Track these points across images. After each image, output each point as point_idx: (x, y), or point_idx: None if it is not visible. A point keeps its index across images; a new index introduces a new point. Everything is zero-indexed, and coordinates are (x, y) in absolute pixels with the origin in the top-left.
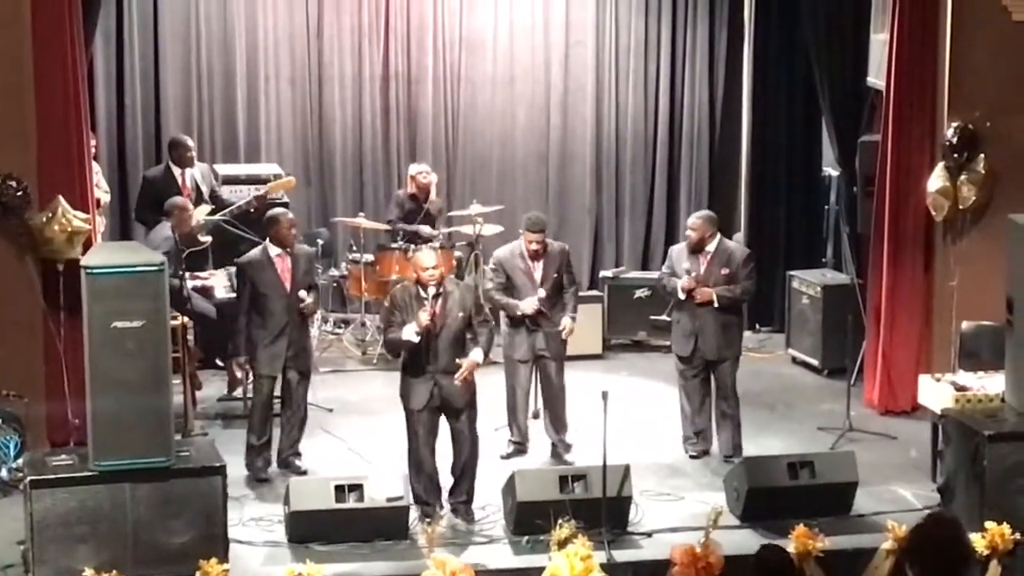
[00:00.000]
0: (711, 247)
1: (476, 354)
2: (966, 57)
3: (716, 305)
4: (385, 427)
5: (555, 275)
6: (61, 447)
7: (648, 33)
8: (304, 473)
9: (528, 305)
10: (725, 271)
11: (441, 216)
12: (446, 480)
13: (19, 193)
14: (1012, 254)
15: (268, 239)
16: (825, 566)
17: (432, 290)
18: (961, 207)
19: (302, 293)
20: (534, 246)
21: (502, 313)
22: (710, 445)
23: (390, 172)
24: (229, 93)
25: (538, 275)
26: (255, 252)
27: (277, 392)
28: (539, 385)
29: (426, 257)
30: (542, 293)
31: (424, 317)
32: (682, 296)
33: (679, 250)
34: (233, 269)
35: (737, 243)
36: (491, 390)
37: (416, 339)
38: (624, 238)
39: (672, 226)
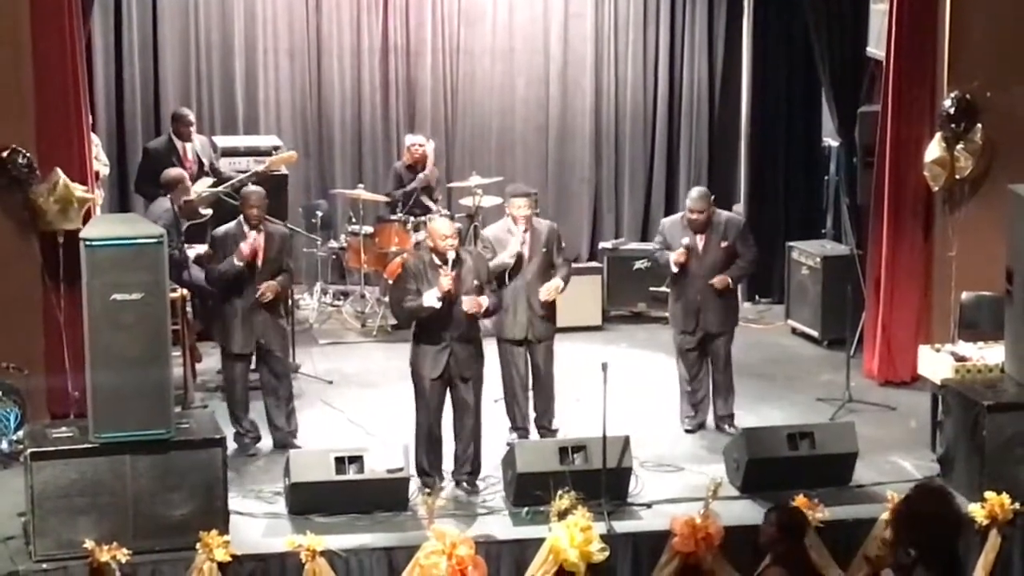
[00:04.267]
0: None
1: (483, 299)
2: (966, 27)
3: (732, 286)
4: (385, 399)
5: (544, 250)
6: (61, 419)
7: (647, 4)
8: None
9: (510, 252)
10: (724, 243)
11: (439, 186)
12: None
13: (26, 167)
14: (1012, 224)
15: (242, 216)
16: (824, 536)
17: (452, 255)
18: (958, 177)
19: (267, 283)
20: (524, 211)
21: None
22: (706, 417)
23: (389, 144)
24: (228, 66)
25: (526, 248)
26: (230, 226)
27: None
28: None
29: (443, 225)
30: (517, 231)
31: (446, 282)
32: (675, 269)
33: (673, 223)
34: None
35: (728, 212)
36: (490, 361)
37: (438, 305)
38: (623, 210)
39: (671, 197)
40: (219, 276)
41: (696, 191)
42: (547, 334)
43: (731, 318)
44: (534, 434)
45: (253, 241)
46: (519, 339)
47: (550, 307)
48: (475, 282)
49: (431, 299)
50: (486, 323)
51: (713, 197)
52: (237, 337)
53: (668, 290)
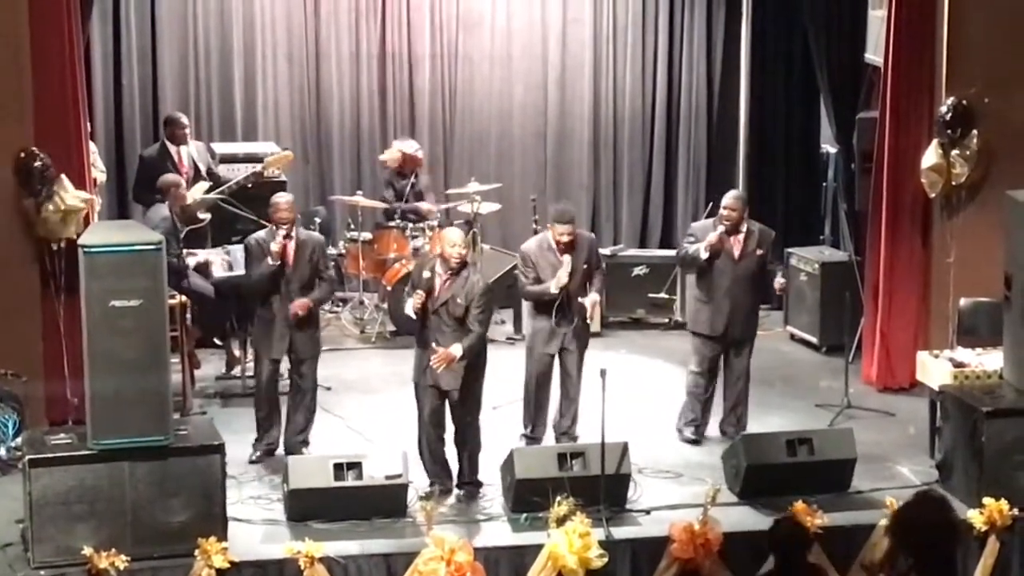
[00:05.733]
0: (743, 227)
1: (455, 348)
2: (964, 33)
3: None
4: (384, 405)
5: (584, 266)
6: (60, 426)
7: (646, 10)
8: None
9: (557, 282)
10: (759, 251)
11: (429, 191)
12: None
13: (42, 171)
14: (1010, 230)
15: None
16: (823, 543)
17: (448, 267)
18: (954, 183)
19: (299, 300)
20: (565, 238)
21: (526, 307)
22: (707, 427)
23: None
24: (226, 71)
25: (567, 268)
26: (260, 233)
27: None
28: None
29: (454, 234)
30: (567, 259)
31: (416, 301)
32: (705, 255)
33: (704, 225)
34: (230, 247)
35: (761, 224)
36: (489, 368)
37: (413, 315)
38: (622, 216)
39: (670, 204)
40: (256, 281)
41: (732, 191)
42: (586, 341)
43: (755, 326)
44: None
45: (282, 239)
46: (550, 352)
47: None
48: (460, 302)
49: (408, 309)
50: (505, 328)
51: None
52: (268, 342)
53: (667, 295)
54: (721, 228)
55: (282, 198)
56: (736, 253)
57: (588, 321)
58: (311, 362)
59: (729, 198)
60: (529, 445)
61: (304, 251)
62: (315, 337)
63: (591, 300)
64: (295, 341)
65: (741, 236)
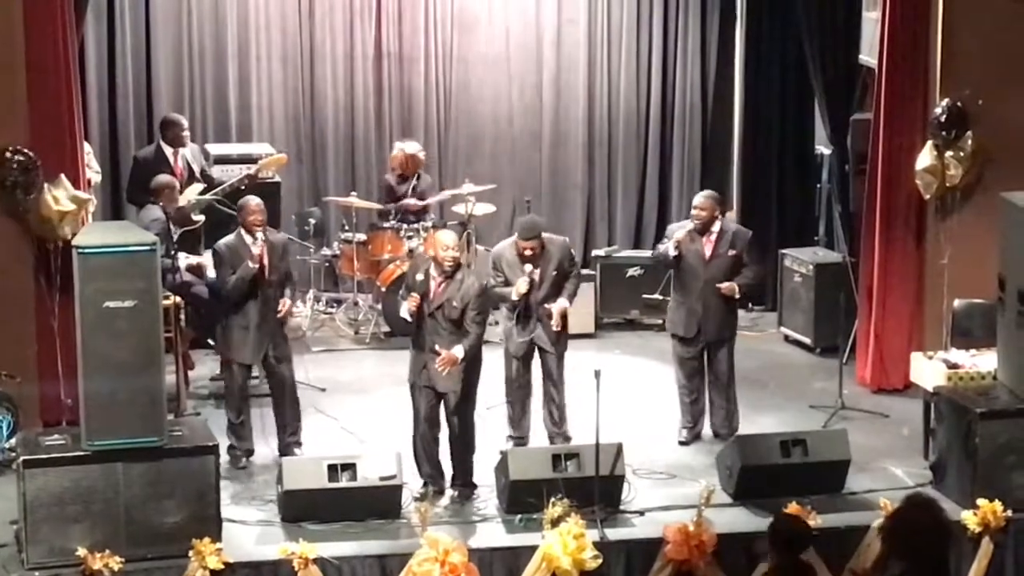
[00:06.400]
0: (715, 227)
1: (457, 350)
2: (958, 35)
3: (737, 296)
4: (378, 406)
5: (554, 272)
6: (54, 427)
7: (640, 11)
8: None
9: (516, 291)
10: (732, 252)
11: (433, 189)
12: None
13: (23, 168)
14: (1004, 232)
15: (240, 226)
16: (817, 544)
17: (442, 270)
18: (949, 185)
19: (284, 302)
20: (528, 252)
21: (502, 307)
22: (702, 428)
23: (382, 151)
24: (220, 72)
25: (535, 275)
26: (229, 238)
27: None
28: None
29: (447, 236)
30: (529, 268)
31: (411, 304)
32: (673, 252)
33: (679, 226)
34: None
35: (737, 224)
36: (483, 369)
37: (410, 319)
38: (616, 217)
39: (664, 205)
40: (235, 285)
41: (704, 191)
42: (565, 344)
43: (731, 326)
44: (531, 442)
45: (262, 242)
46: (519, 354)
47: (562, 321)
48: (456, 304)
49: (404, 311)
50: (498, 329)
51: (718, 199)
52: (247, 348)
53: (661, 296)
54: (689, 226)
55: (253, 201)
56: (707, 254)
57: (556, 328)
58: (289, 362)
59: (699, 197)
60: (516, 446)
61: (276, 252)
62: (287, 336)
63: (559, 307)
64: (275, 343)
65: (713, 236)
